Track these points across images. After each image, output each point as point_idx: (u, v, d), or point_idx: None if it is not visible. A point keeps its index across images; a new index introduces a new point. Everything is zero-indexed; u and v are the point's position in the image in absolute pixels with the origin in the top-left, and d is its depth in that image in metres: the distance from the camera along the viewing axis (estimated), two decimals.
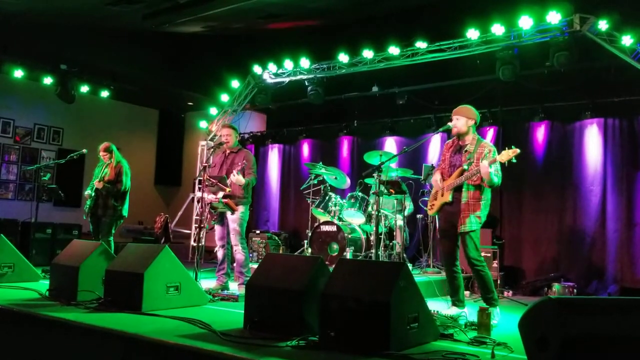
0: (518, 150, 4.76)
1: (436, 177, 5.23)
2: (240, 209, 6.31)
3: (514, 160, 4.80)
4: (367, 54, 8.95)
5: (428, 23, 8.75)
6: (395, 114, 9.59)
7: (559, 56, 7.33)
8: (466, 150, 5.04)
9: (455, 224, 4.98)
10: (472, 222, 4.92)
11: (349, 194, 8.11)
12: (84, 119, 11.48)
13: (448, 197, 5.05)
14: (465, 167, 4.97)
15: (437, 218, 5.29)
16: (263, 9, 8.74)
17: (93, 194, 7.05)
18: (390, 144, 9.65)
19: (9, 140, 10.59)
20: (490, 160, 4.81)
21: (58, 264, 5.59)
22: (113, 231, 7.18)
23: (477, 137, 5.15)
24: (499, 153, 4.86)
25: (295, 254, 8.41)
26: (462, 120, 5.08)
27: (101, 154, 7.20)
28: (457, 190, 5.02)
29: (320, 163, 8.35)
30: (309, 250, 7.85)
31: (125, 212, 7.23)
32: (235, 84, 10.75)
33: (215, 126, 11.07)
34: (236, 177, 6.09)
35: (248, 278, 5.54)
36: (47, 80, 10.23)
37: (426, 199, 7.74)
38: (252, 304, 4.26)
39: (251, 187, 6.49)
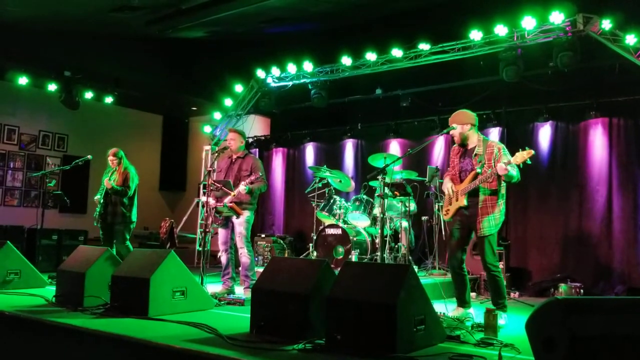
0: (532, 152, 4.77)
1: (447, 185, 5.23)
2: (246, 213, 6.33)
3: (529, 162, 4.82)
4: (370, 56, 8.95)
5: (431, 25, 8.75)
6: (399, 117, 9.58)
7: (562, 56, 7.31)
8: (476, 154, 5.04)
9: (472, 227, 4.99)
10: (491, 226, 4.93)
11: (354, 197, 8.11)
12: (88, 125, 11.52)
13: (464, 202, 5.04)
14: (479, 170, 4.97)
15: (451, 221, 5.26)
16: (266, 13, 8.76)
17: (102, 200, 7.10)
18: (395, 147, 9.64)
19: (14, 147, 10.64)
20: (507, 161, 4.82)
21: (64, 270, 5.60)
22: (128, 236, 7.24)
23: (482, 137, 5.16)
24: (512, 155, 4.86)
25: (301, 257, 8.41)
26: (458, 128, 5.13)
27: (110, 159, 7.27)
28: (473, 194, 5.01)
29: (325, 166, 8.35)
30: (315, 253, 7.85)
31: (134, 217, 7.32)
32: (238, 88, 10.77)
33: (219, 130, 11.08)
34: (242, 187, 6.11)
35: (254, 282, 5.54)
36: (52, 87, 10.26)
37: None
38: (259, 308, 4.26)
39: (259, 193, 6.50)
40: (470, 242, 5.25)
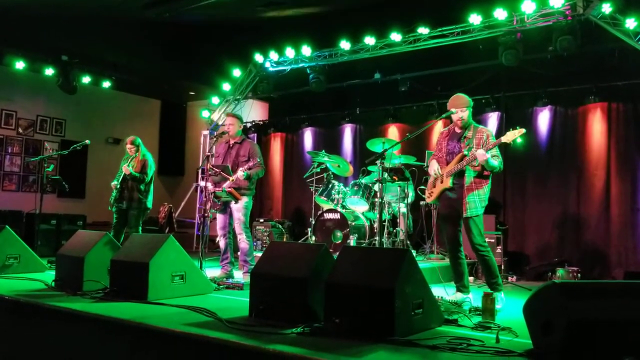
0: (523, 130, 4.81)
1: (434, 167, 5.23)
2: (244, 198, 6.33)
3: (519, 140, 4.84)
4: (369, 40, 8.90)
5: (430, 8, 8.68)
6: (397, 101, 9.56)
7: (562, 40, 7.27)
8: (465, 137, 5.05)
9: (459, 209, 5.00)
10: (477, 207, 4.95)
11: (352, 182, 8.11)
12: (86, 109, 11.48)
13: (449, 183, 5.05)
14: (466, 152, 4.97)
15: (439, 205, 5.30)
16: None
17: (119, 186, 7.16)
18: (393, 131, 9.63)
19: (12, 132, 10.60)
20: (488, 146, 4.83)
21: (63, 255, 5.61)
22: (140, 222, 7.31)
23: (473, 123, 5.18)
24: (503, 134, 4.87)
25: (300, 242, 8.43)
26: (467, 111, 5.10)
27: (127, 146, 7.38)
28: (459, 175, 5.03)
29: (323, 151, 8.34)
30: (313, 238, 7.87)
31: (149, 204, 7.40)
32: (236, 72, 10.73)
33: (217, 115, 11.06)
34: (240, 173, 6.10)
35: (252, 266, 5.56)
36: (49, 72, 10.21)
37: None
38: (257, 292, 4.28)
39: (257, 178, 6.50)
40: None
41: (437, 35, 8.35)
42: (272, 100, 11.76)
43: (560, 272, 7.09)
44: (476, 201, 4.95)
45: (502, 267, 7.23)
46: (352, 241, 7.39)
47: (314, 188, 8.44)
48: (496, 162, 4.89)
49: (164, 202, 10.81)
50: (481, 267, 5.19)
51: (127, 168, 7.13)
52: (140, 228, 7.32)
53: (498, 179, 7.84)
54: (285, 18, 9.80)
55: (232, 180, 6.11)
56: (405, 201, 7.65)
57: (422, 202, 8.31)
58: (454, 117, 5.13)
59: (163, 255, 4.95)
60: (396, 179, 7.24)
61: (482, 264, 5.06)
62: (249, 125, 11.33)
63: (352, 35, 9.10)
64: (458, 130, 5.16)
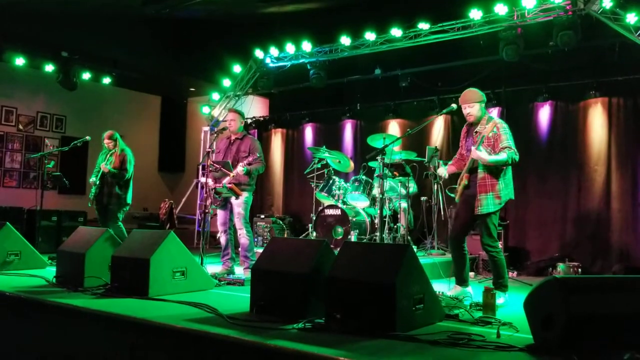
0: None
1: (440, 170, 5.23)
2: (245, 194, 6.33)
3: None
4: (370, 36, 8.89)
5: (430, 4, 8.66)
6: (398, 97, 9.55)
7: (562, 35, 7.26)
8: (476, 132, 4.99)
9: (472, 206, 4.93)
10: (490, 204, 4.84)
11: (353, 178, 8.11)
12: (86, 106, 11.47)
13: (465, 181, 5.03)
14: (477, 147, 4.92)
15: (458, 202, 5.24)
16: None
17: (97, 182, 7.11)
18: (394, 127, 9.62)
19: (12, 129, 10.60)
20: (490, 142, 4.83)
21: (64, 251, 5.62)
22: (120, 217, 7.26)
23: (488, 116, 5.10)
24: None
25: (300, 237, 8.43)
26: (476, 106, 5.02)
27: (105, 141, 7.27)
28: (472, 172, 4.98)
29: (324, 147, 8.33)
30: (314, 234, 7.88)
31: (129, 200, 7.31)
32: (237, 68, 10.71)
33: (217, 111, 11.05)
34: (240, 169, 6.10)
35: (253, 262, 5.56)
36: (49, 68, 10.21)
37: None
38: (258, 288, 4.28)
39: (257, 174, 6.50)
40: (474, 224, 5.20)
41: (438, 30, 8.34)
42: (273, 96, 11.76)
43: (560, 267, 7.10)
44: (489, 198, 4.84)
45: (505, 263, 7.21)
46: (352, 237, 7.39)
47: (314, 184, 8.44)
48: (504, 155, 4.76)
49: (165, 198, 10.80)
50: (490, 266, 5.21)
51: (105, 167, 7.05)
52: (121, 224, 7.23)
53: None
54: (286, 13, 9.79)
55: (232, 176, 6.10)
56: (407, 199, 7.64)
57: (423, 198, 8.31)
58: (464, 112, 5.11)
59: (164, 252, 4.95)
60: (397, 174, 7.23)
61: (491, 264, 5.08)
62: (249, 121, 11.32)
63: (353, 31, 9.08)
64: (472, 126, 5.13)
